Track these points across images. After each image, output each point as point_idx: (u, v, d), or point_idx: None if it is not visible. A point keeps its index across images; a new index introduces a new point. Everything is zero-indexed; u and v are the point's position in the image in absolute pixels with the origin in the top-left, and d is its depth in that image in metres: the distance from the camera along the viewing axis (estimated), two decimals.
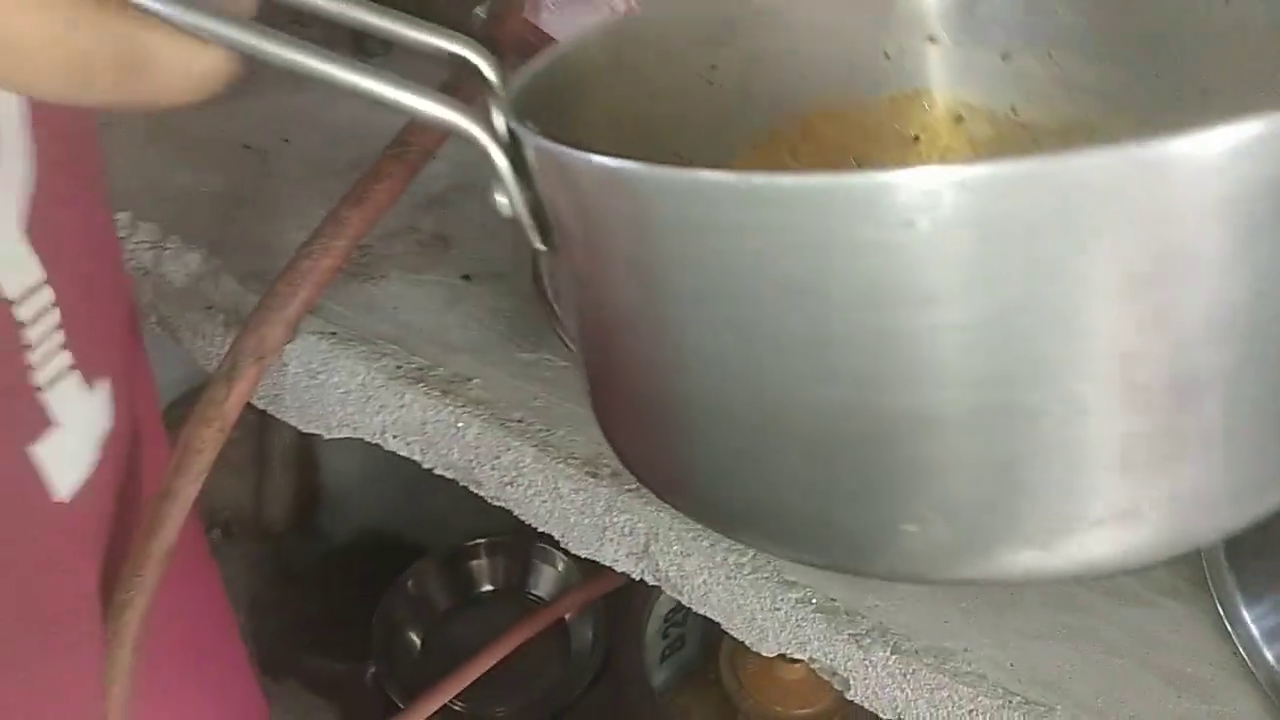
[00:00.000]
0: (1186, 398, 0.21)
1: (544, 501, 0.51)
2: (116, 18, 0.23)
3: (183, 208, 0.64)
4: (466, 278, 0.61)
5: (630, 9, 0.70)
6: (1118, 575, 0.48)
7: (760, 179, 0.20)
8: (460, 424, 0.53)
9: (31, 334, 0.38)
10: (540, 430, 0.52)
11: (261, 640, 1.14)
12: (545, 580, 1.19)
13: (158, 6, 0.24)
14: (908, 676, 0.44)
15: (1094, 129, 0.32)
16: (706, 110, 0.35)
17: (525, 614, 1.15)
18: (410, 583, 1.18)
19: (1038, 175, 0.19)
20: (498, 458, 0.52)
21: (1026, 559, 0.22)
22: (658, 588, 0.50)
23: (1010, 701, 0.43)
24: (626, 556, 0.50)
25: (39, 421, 0.39)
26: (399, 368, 0.55)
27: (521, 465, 0.51)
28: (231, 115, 0.73)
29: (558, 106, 0.28)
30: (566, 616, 1.03)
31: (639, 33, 0.34)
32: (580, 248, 0.25)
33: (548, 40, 0.70)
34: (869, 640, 0.45)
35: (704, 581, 0.48)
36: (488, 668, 0.92)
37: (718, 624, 0.49)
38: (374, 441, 0.57)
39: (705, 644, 0.90)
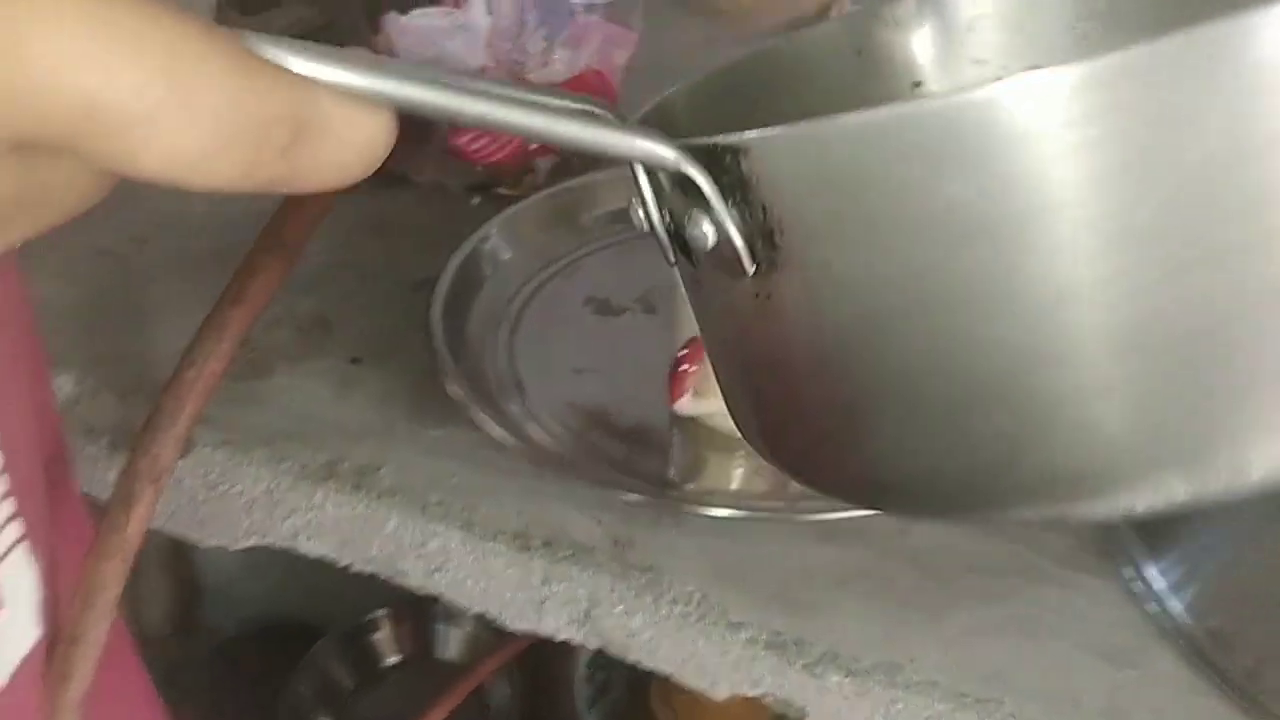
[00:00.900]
0: None
1: (476, 583, 0.51)
2: (285, 76, 0.19)
3: (44, 325, 0.61)
4: (355, 360, 0.60)
5: (485, 66, 0.70)
6: (1035, 558, 0.50)
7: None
8: (377, 517, 0.51)
9: None
10: (463, 510, 0.51)
11: None
12: (454, 642, 1.17)
13: (323, 66, 0.20)
14: (863, 696, 0.45)
15: None
16: None
17: (437, 681, 1.12)
18: (312, 667, 1.14)
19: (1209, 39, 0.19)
20: (422, 545, 0.51)
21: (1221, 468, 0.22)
22: None
23: (963, 703, 0.45)
24: (568, 624, 0.50)
25: None
26: (304, 467, 0.53)
27: (448, 550, 0.50)
28: (79, 219, 0.69)
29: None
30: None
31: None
32: (820, 240, 0.23)
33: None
34: (821, 668, 0.46)
35: (651, 637, 0.48)
36: None
37: None
38: (284, 546, 0.55)
39: (633, 683, 0.91)
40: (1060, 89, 0.20)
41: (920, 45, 0.35)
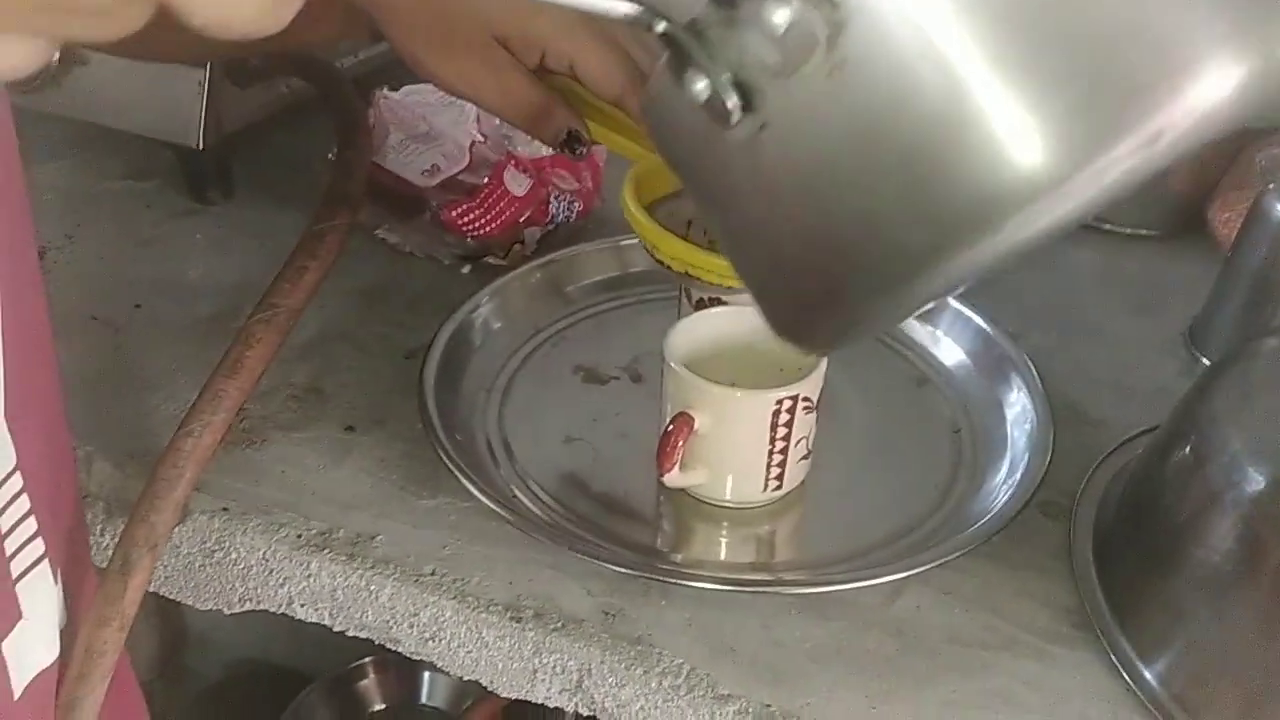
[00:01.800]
0: None
1: (469, 652, 0.52)
2: None
3: None
4: (349, 429, 0.61)
5: (475, 142, 0.72)
6: (1014, 631, 0.51)
7: None
8: (372, 587, 0.52)
9: (4, 521, 0.37)
10: (455, 581, 0.52)
11: None
12: (440, 690, 1.17)
13: None
14: None
15: None
16: None
17: None
18: (297, 714, 1.14)
19: None
20: (415, 615, 0.52)
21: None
22: None
23: None
24: (560, 693, 0.51)
25: (12, 614, 0.38)
26: (299, 536, 0.54)
27: (441, 620, 0.51)
28: (73, 284, 0.71)
29: None
30: None
31: None
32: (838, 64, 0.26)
33: (398, 180, 0.71)
34: None
35: (641, 708, 0.49)
36: None
37: None
38: (280, 613, 0.56)
39: None
40: None
41: None
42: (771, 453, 0.55)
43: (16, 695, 0.40)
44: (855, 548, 0.55)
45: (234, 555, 0.55)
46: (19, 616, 0.39)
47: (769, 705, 0.48)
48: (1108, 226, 0.81)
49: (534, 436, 0.61)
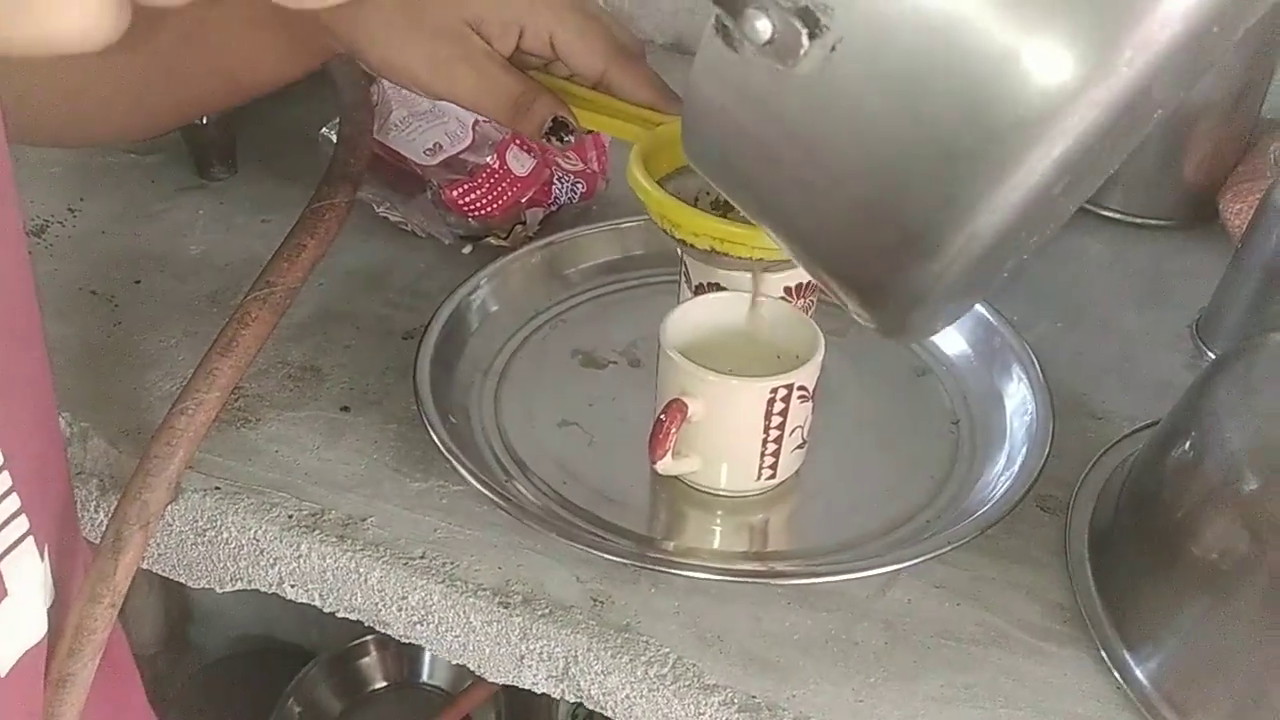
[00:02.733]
0: None
1: (456, 636, 0.52)
2: None
3: None
4: (345, 409, 0.61)
5: (479, 120, 0.71)
6: (1005, 626, 0.51)
7: None
8: (361, 569, 0.52)
9: None
10: (445, 564, 0.52)
11: None
12: (440, 668, 1.17)
13: None
14: None
15: None
16: None
17: (424, 708, 1.13)
18: (299, 689, 1.15)
19: None
20: (404, 598, 0.52)
21: None
22: None
23: None
24: (546, 679, 0.51)
25: None
26: (290, 517, 0.54)
27: (430, 604, 0.51)
28: (73, 258, 0.71)
29: None
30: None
31: None
32: None
33: (400, 159, 0.71)
34: None
35: (627, 696, 0.49)
36: None
37: None
38: (271, 592, 0.56)
39: None
40: None
41: None
42: (766, 441, 0.54)
43: (4, 672, 0.41)
44: (848, 539, 0.55)
45: (225, 535, 0.55)
46: (3, 594, 0.39)
47: (754, 696, 0.47)
48: (1119, 216, 0.80)
49: (529, 420, 0.60)
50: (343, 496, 0.55)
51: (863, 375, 0.64)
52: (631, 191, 0.50)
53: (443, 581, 0.51)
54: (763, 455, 0.55)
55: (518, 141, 0.71)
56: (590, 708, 0.51)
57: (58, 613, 0.45)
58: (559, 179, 0.73)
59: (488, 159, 0.70)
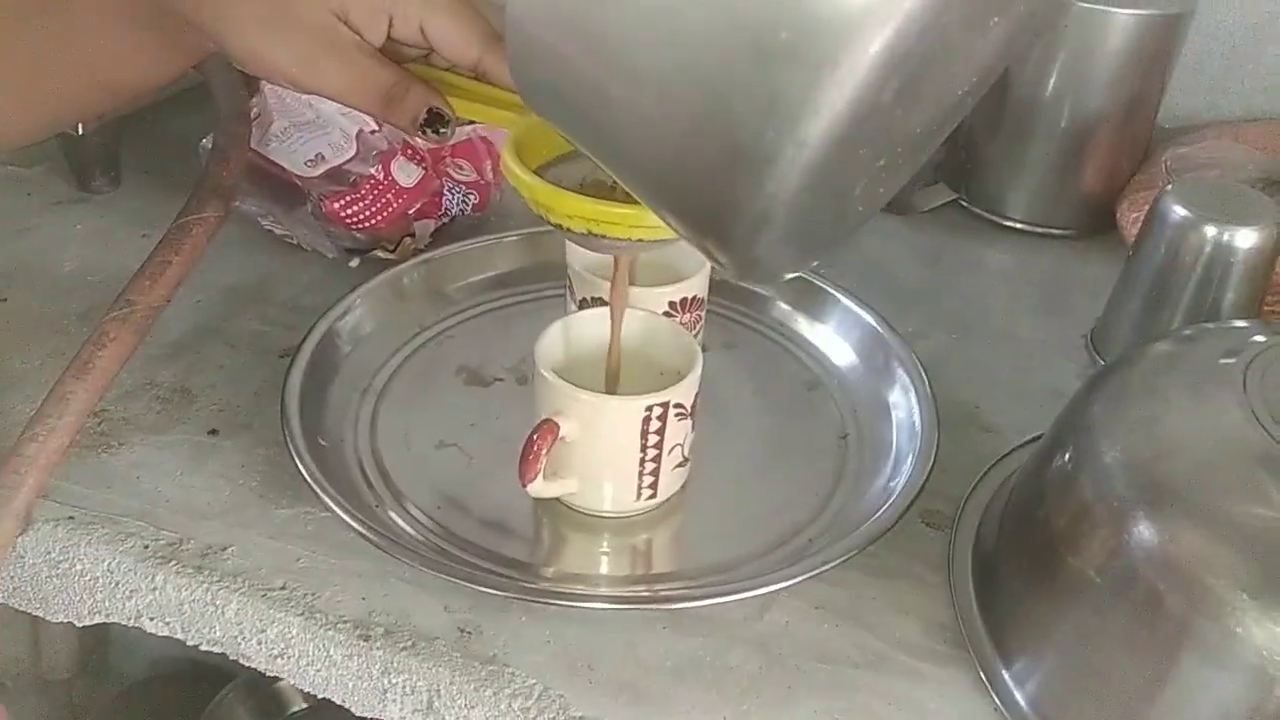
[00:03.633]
0: None
1: (318, 670, 0.49)
2: None
3: None
4: (213, 432, 0.59)
5: (363, 130, 0.69)
6: (884, 648, 0.50)
7: None
8: (218, 601, 0.50)
9: None
10: (306, 595, 0.50)
11: None
12: None
13: None
14: None
15: None
16: None
17: None
18: (216, 713, 1.12)
19: None
20: (263, 631, 0.50)
21: None
22: None
23: None
24: (413, 713, 0.49)
25: None
26: (146, 547, 0.52)
27: (289, 637, 0.49)
28: None
29: None
30: None
31: None
32: None
33: (281, 170, 0.68)
34: None
35: None
36: None
37: None
38: (130, 625, 0.53)
39: None
40: None
41: None
42: (644, 460, 0.53)
43: None
44: (729, 559, 0.53)
45: (80, 566, 0.53)
46: None
47: None
48: (1020, 225, 0.79)
49: (407, 442, 0.58)
50: (203, 525, 0.53)
51: (753, 389, 0.63)
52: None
53: (302, 614, 0.49)
54: (641, 475, 0.53)
55: (405, 152, 0.69)
56: None
57: None
58: (450, 190, 0.71)
59: (372, 170, 0.68)
